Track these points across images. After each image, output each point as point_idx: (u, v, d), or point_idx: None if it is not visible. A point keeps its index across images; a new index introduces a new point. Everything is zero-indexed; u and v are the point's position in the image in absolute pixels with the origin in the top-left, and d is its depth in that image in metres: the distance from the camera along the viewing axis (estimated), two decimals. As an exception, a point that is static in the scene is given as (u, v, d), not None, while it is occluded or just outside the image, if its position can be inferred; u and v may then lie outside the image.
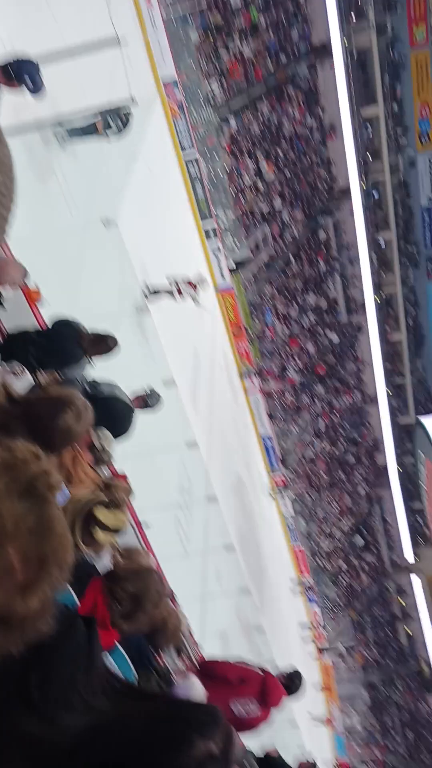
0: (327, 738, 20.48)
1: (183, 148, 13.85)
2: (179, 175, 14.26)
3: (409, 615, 32.72)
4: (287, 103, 20.52)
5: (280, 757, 6.25)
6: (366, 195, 24.23)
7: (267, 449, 19.20)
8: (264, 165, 19.25)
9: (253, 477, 16.31)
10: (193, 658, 5.62)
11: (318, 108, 21.96)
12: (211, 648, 8.24)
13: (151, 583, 2.62)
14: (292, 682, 4.73)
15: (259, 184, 19.34)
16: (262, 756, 5.92)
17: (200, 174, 14.49)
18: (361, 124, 23.57)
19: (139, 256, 8.71)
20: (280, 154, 20.33)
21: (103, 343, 4.08)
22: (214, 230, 15.32)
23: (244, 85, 18.89)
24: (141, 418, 5.97)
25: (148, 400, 5.50)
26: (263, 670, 4.65)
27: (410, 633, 32.43)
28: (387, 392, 27.91)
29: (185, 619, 5.89)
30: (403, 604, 32.75)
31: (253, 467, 17.08)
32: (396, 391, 29.44)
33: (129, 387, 4.82)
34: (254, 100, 19.07)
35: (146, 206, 10.02)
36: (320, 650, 23.21)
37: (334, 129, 22.39)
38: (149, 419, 5.91)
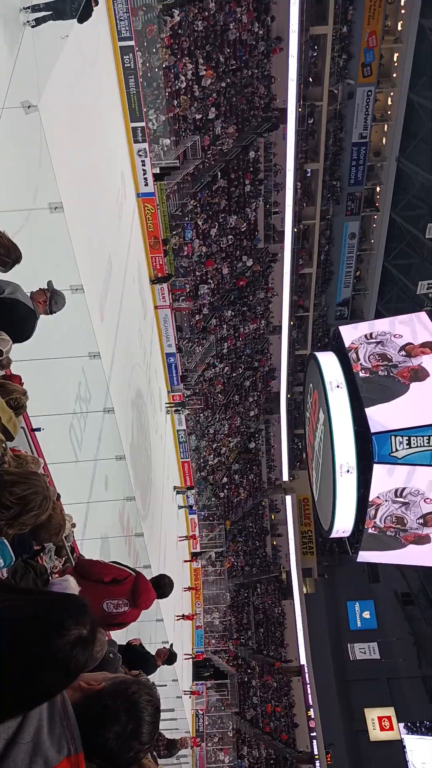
0: (188, 631, 22.46)
1: (120, 35, 12.68)
2: (113, 64, 13.13)
3: (277, 529, 35.71)
4: (236, 3, 19.20)
5: (141, 646, 6.87)
6: (301, 120, 23.72)
7: (169, 366, 19.40)
8: (203, 69, 18.17)
9: (152, 392, 16.53)
10: (71, 557, 5.91)
11: (267, 17, 20.76)
12: (91, 549, 8.63)
13: (39, 488, 2.72)
14: (162, 586, 5.15)
15: (196, 89, 18.32)
16: (125, 644, 6.49)
17: (135, 66, 13.42)
18: (307, 42, 22.67)
19: (59, 148, 8.12)
20: (222, 60, 19.23)
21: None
22: (143, 131, 14.44)
23: (194, -28, 17.42)
24: (44, 321, 5.85)
25: (51, 303, 5.36)
26: (137, 573, 4.98)
27: (276, 545, 35.53)
28: (290, 324, 28.79)
29: (69, 520, 6.13)
30: (273, 518, 35.59)
31: (154, 383, 17.27)
32: (297, 322, 30.43)
33: (32, 290, 4.67)
34: (202, -7, 17.70)
35: (73, 94, 9.23)
36: (193, 555, 24.90)
37: (281, 42, 21.36)
38: (52, 323, 5.78)
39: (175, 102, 17.61)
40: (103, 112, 12.50)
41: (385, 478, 12.47)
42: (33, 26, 7.42)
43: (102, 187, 11.72)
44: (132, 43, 13.19)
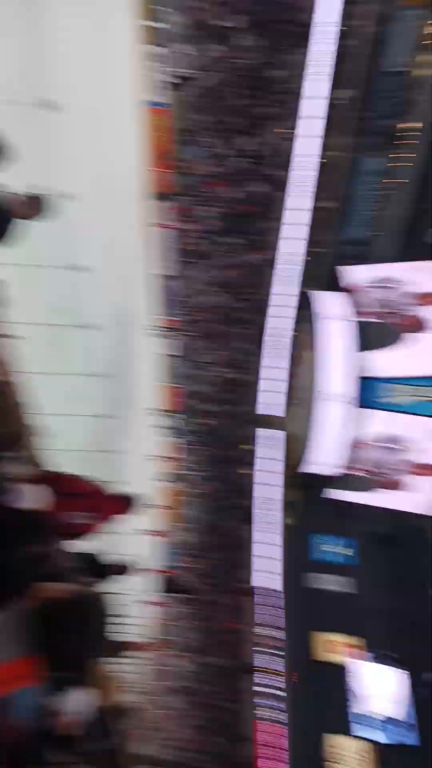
0: (158, 547, 23.42)
1: None
2: None
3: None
4: None
5: (96, 555, 7.10)
6: (336, 40, 22.10)
7: (166, 289, 19.06)
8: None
9: (142, 313, 16.34)
10: (42, 467, 6.00)
11: None
12: (66, 464, 8.78)
13: (10, 395, 2.72)
14: (130, 502, 5.27)
15: (224, -8, 16.96)
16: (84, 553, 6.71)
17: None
18: None
19: (63, 37, 7.58)
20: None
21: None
22: (157, 32, 13.41)
23: None
24: (34, 229, 5.66)
25: (32, 206, 5.14)
26: (106, 487, 5.09)
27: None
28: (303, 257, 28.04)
29: (41, 433, 6.19)
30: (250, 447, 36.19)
31: (145, 303, 17.04)
32: (306, 257, 29.65)
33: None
34: None
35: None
36: (174, 477, 25.58)
37: None
38: (39, 230, 5.59)
39: (201, 4, 16.35)
40: (113, 5, 11.61)
41: (370, 423, 12.64)
42: None
43: (104, 90, 11.07)
44: None
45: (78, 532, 4.99)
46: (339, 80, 24.15)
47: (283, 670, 29.69)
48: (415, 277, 13.81)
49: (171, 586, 23.32)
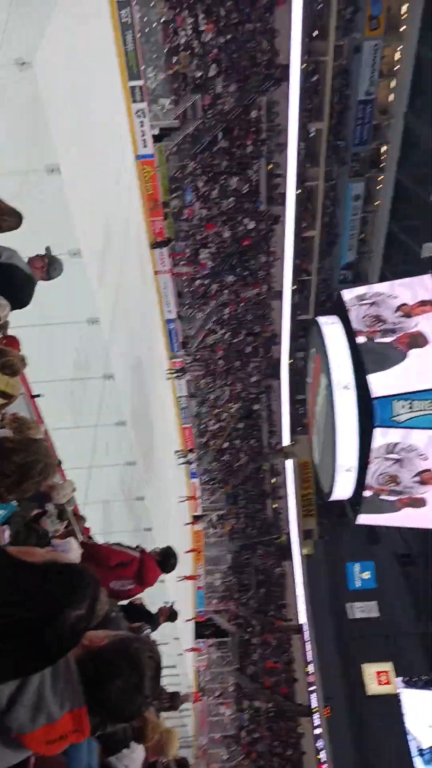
0: (189, 592, 23.02)
1: (116, -12, 12.22)
2: (109, 20, 12.66)
3: (278, 493, 36.14)
4: None
5: (142, 605, 7.05)
6: (305, 76, 22.96)
7: (170, 332, 19.33)
8: (203, 23, 17.53)
9: (153, 358, 16.51)
10: (76, 526, 5.99)
11: (270, -33, 19.92)
12: (93, 513, 8.77)
13: (40, 455, 2.75)
14: (167, 561, 5.25)
15: (195, 45, 17.71)
16: (128, 603, 6.66)
17: (132, 21, 12.94)
18: (312, -7, 21.79)
19: (55, 104, 7.91)
20: (222, 14, 18.52)
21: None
22: (141, 90, 14.01)
23: None
24: (41, 287, 5.80)
25: (49, 269, 5.30)
26: (141, 551, 5.07)
27: (277, 508, 35.99)
28: (292, 288, 28.50)
29: (71, 486, 6.20)
30: (274, 482, 35.99)
31: (155, 349, 17.23)
32: (301, 287, 30.12)
33: (30, 255, 4.61)
34: None
35: (68, 51, 8.94)
36: (194, 518, 25.32)
37: (284, -6, 20.54)
38: (49, 288, 5.75)
39: (174, 59, 17.05)
40: (100, 70, 12.15)
41: (380, 440, 12.50)
42: None
43: (99, 148, 11.48)
44: (129, -4, 12.74)
45: (119, 596, 4.98)
46: (313, 113, 24.98)
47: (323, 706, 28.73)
48: (406, 292, 13.85)
49: (208, 630, 22.82)
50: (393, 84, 25.72)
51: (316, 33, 23.17)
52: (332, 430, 13.36)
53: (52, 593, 1.45)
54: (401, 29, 24.15)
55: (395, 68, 25.24)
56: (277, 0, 20.61)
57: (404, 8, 23.84)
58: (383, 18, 23.34)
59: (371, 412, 12.41)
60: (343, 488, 13.85)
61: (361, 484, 13.13)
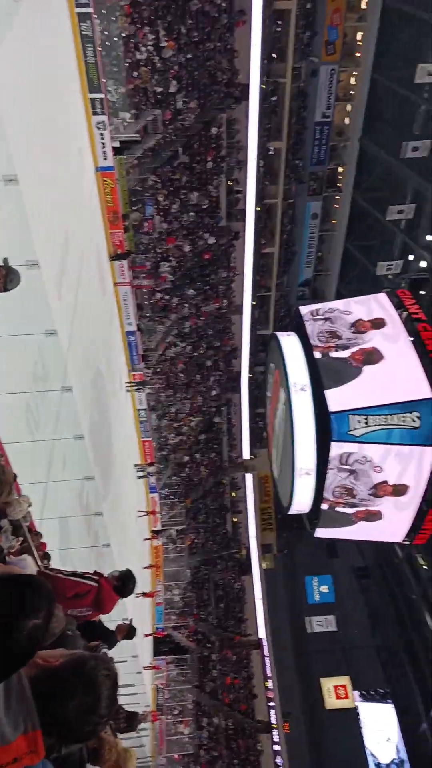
0: (148, 609, 22.69)
1: (77, 1, 12.22)
2: (69, 31, 12.65)
3: (238, 507, 36.15)
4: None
5: (100, 622, 6.91)
6: (264, 97, 23.47)
7: (130, 345, 19.21)
8: (164, 40, 17.71)
9: (112, 371, 16.36)
10: (31, 542, 5.85)
11: (231, -12, 20.33)
12: (50, 529, 8.57)
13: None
14: (125, 586, 5.20)
15: (156, 61, 17.86)
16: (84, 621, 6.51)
17: (93, 33, 12.97)
18: (271, 16, 22.35)
19: (12, 119, 7.82)
20: (183, 31, 18.77)
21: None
22: (102, 102, 14.02)
23: None
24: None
25: (6, 280, 5.20)
26: (98, 579, 5.00)
27: (237, 522, 35.98)
28: (252, 303, 28.82)
29: (27, 501, 6.05)
30: (234, 495, 36.00)
31: (114, 361, 17.08)
32: (260, 302, 30.49)
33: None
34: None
35: (27, 62, 8.87)
36: (153, 533, 25.03)
37: (244, 15, 20.98)
38: (6, 300, 5.63)
39: (135, 74, 17.15)
40: (60, 82, 12.10)
41: (336, 451, 12.60)
42: None
43: (59, 159, 11.40)
44: (90, 9, 12.73)
45: (78, 620, 4.91)
46: (272, 132, 25.50)
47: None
48: (361, 308, 14.16)
49: (166, 646, 22.49)
50: (349, 108, 26.56)
51: (274, 55, 23.77)
52: (291, 435, 13.44)
53: (8, 602, 1.41)
54: (357, 55, 25.00)
55: (351, 92, 26.07)
56: (236, 21, 21.04)
57: (359, 35, 24.70)
58: (339, 44, 24.15)
59: (328, 427, 12.55)
60: (302, 495, 13.84)
61: (319, 494, 13.23)
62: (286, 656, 32.25)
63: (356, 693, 31.90)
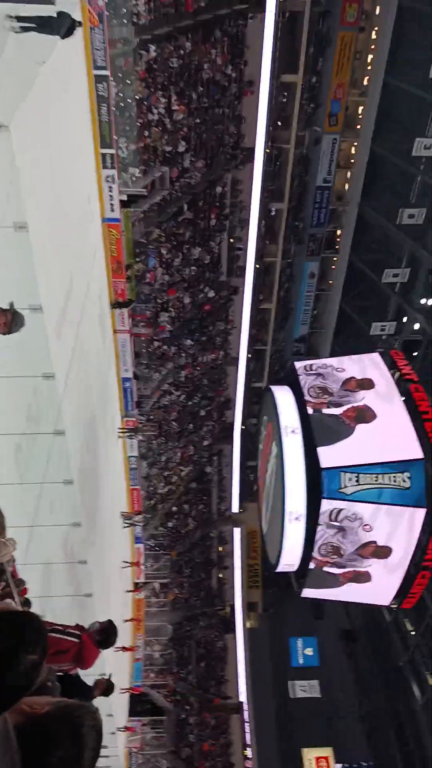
0: (126, 663, 21.86)
1: (95, 64, 12.91)
2: (86, 91, 13.31)
3: (224, 562, 35.42)
4: (212, 45, 19.88)
5: (78, 676, 6.71)
6: (268, 160, 24.54)
7: (125, 391, 19.29)
8: (176, 104, 18.62)
9: (106, 416, 16.36)
10: (14, 589, 5.74)
11: (241, 61, 21.56)
12: (33, 575, 8.38)
13: None
14: (107, 639, 5.13)
15: (167, 123, 18.72)
16: (62, 673, 6.33)
17: (108, 94, 13.64)
18: (278, 88, 23.63)
19: (27, 168, 8.15)
20: (194, 97, 19.77)
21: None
22: (112, 158, 14.60)
23: (172, 11, 17.97)
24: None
25: (11, 324, 5.30)
26: (80, 635, 4.94)
27: (222, 578, 35.18)
28: (247, 356, 29.19)
29: (12, 545, 5.96)
30: (221, 550, 35.32)
31: (108, 407, 17.10)
32: (255, 355, 30.88)
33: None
34: (179, 32, 18.22)
35: (45, 116, 9.31)
36: (136, 585, 24.40)
37: (252, 86, 22.18)
38: (7, 342, 5.72)
39: (146, 133, 17.93)
40: (74, 137, 12.64)
41: (327, 506, 12.41)
42: (17, 32, 7.55)
43: (68, 209, 11.77)
44: (107, 72, 13.43)
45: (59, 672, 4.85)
46: (275, 194, 26.49)
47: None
48: (354, 366, 14.25)
49: (145, 706, 21.55)
50: (349, 174, 27.75)
51: (279, 123, 25.00)
52: (281, 481, 13.21)
53: (8, 636, 1.42)
54: (357, 127, 26.32)
55: (351, 160, 27.29)
56: (244, 90, 22.22)
57: (360, 109, 26.07)
58: (342, 116, 25.47)
59: (320, 483, 12.46)
60: (290, 543, 13.44)
61: (308, 549, 12.94)
62: (267, 723, 30.89)
63: (339, 766, 30.43)
